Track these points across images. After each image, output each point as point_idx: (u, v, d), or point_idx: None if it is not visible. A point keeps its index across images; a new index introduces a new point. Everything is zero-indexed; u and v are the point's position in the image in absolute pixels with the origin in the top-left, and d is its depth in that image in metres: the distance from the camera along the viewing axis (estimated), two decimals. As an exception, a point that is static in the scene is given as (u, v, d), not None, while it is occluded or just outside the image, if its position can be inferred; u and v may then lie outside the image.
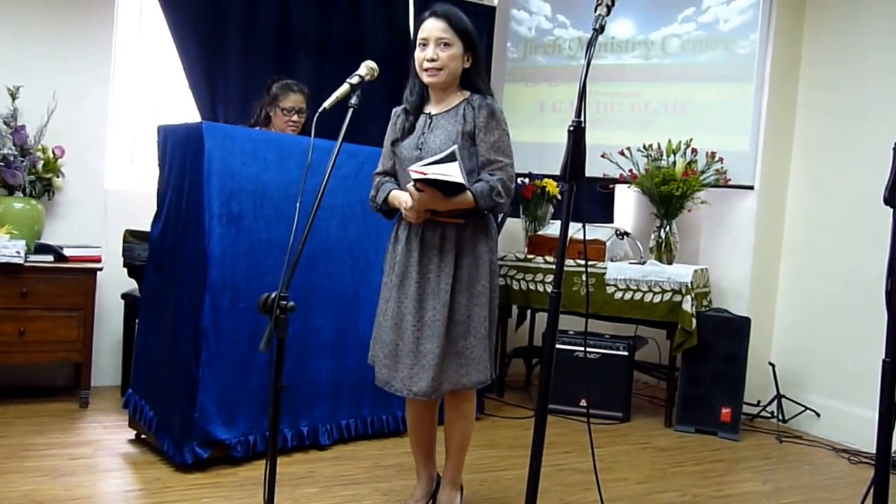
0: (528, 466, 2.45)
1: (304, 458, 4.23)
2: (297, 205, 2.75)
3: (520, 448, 4.64)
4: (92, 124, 5.32)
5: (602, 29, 2.47)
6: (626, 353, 5.45)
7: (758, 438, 5.27)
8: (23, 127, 4.89)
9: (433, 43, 3.18)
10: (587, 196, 6.60)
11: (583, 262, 5.26)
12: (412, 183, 3.04)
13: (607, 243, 5.60)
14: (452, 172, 2.94)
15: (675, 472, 4.48)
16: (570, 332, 5.49)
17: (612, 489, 4.04)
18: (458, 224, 3.19)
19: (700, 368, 5.27)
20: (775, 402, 5.52)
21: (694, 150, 5.61)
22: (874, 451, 2.72)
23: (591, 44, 2.41)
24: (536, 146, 6.05)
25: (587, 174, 2.44)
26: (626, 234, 5.90)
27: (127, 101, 5.68)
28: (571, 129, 2.36)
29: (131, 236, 4.99)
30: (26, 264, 4.64)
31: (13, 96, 4.90)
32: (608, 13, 2.50)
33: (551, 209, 6.04)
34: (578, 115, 2.36)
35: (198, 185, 3.87)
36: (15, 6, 5.12)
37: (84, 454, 4.05)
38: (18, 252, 4.58)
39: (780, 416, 5.51)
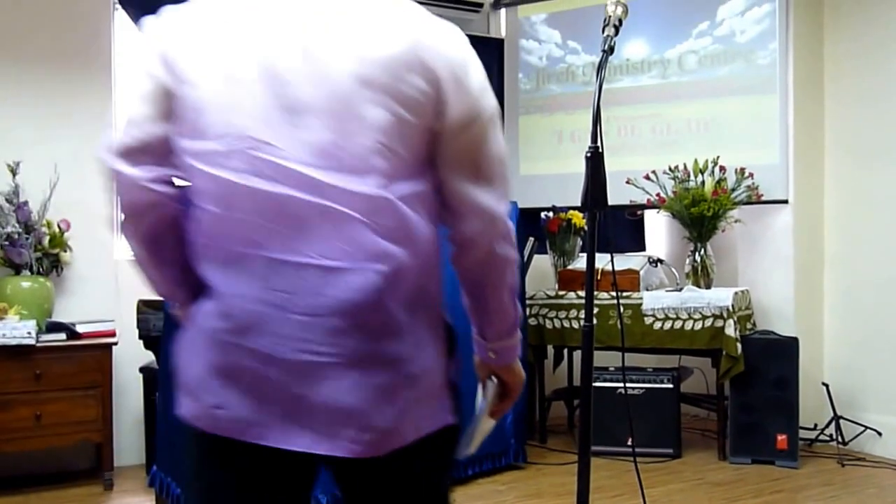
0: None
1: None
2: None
3: (567, 495, 4.41)
4: (97, 194, 5.13)
5: (612, 49, 2.36)
6: (671, 386, 5.22)
7: (818, 464, 5.03)
8: (25, 203, 4.77)
9: None
10: (616, 224, 6.44)
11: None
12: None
13: (641, 272, 5.41)
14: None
15: (734, 508, 4.24)
16: (611, 369, 5.27)
17: (670, 535, 3.81)
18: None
19: (750, 395, 5.04)
20: (833, 423, 5.29)
21: (722, 168, 5.43)
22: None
23: (601, 65, 2.31)
24: (558, 178, 5.88)
25: (612, 202, 2.33)
26: (660, 260, 5.74)
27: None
28: (588, 155, 2.23)
29: (145, 306, 4.82)
30: (38, 345, 4.49)
31: (13, 172, 4.78)
32: (616, 33, 2.39)
33: (579, 242, 5.84)
34: (595, 140, 2.24)
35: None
36: (8, 79, 5.02)
37: (109, 540, 3.88)
38: (29, 333, 4.44)
39: (840, 439, 5.27)
